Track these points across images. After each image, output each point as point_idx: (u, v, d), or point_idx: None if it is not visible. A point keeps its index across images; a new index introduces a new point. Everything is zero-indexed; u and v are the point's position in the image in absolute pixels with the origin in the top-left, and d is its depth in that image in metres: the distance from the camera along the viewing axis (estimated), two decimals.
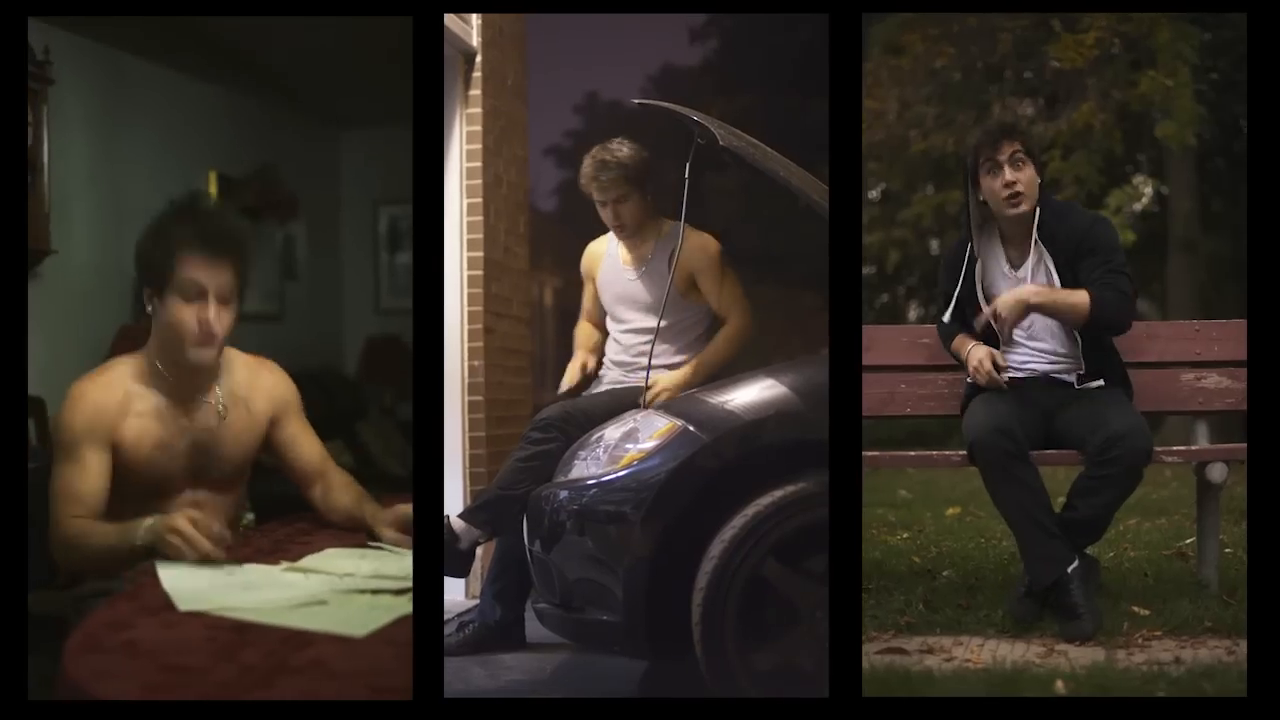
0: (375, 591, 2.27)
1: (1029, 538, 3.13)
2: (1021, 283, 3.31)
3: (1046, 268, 3.32)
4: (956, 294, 3.41)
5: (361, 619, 2.07)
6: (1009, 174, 3.25)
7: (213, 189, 6.72)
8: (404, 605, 2.18)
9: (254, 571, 2.41)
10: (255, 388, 2.91)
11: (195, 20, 5.39)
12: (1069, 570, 3.07)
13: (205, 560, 2.38)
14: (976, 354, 3.31)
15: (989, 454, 3.13)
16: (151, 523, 2.46)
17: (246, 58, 6.30)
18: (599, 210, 3.80)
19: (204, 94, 6.75)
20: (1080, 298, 3.22)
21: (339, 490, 2.92)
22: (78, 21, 5.35)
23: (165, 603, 2.16)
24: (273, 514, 3.03)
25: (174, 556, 2.39)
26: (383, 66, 6.16)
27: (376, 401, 7.54)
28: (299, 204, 7.42)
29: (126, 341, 5.64)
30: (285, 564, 2.46)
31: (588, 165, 3.73)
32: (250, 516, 3.04)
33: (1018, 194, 3.26)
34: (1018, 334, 3.35)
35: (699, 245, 3.73)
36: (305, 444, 2.98)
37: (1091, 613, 3.04)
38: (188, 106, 6.61)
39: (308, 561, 2.49)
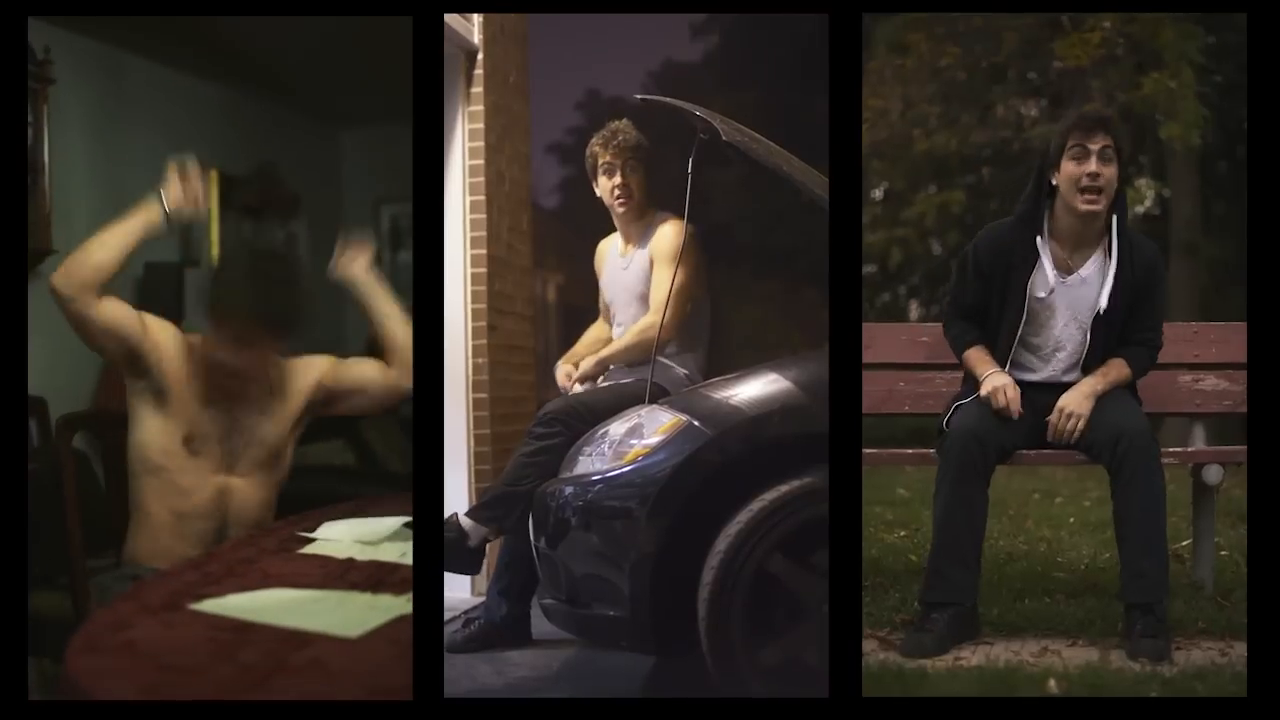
0: (374, 590, 2.28)
1: (943, 553, 3.06)
2: (1079, 287, 3.15)
3: (1104, 280, 3.14)
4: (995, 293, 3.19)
5: (359, 619, 2.07)
6: (1095, 164, 3.09)
7: (213, 188, 6.70)
8: (403, 605, 2.18)
9: None
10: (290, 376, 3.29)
11: (195, 19, 5.39)
12: (956, 602, 3.02)
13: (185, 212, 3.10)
14: (997, 384, 3.14)
15: (953, 453, 3.06)
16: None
17: (246, 56, 6.29)
18: (603, 183, 3.79)
19: (204, 93, 6.73)
20: (1125, 371, 3.17)
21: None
22: (78, 21, 5.36)
23: (165, 603, 2.16)
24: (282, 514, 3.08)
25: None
26: (383, 64, 6.15)
27: None
28: (300, 202, 7.40)
29: None
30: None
31: (599, 136, 3.78)
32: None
33: (1099, 189, 3.10)
34: (1043, 352, 3.22)
35: (665, 232, 3.71)
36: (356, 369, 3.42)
37: (938, 639, 2.95)
38: (188, 105, 6.58)
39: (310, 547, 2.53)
